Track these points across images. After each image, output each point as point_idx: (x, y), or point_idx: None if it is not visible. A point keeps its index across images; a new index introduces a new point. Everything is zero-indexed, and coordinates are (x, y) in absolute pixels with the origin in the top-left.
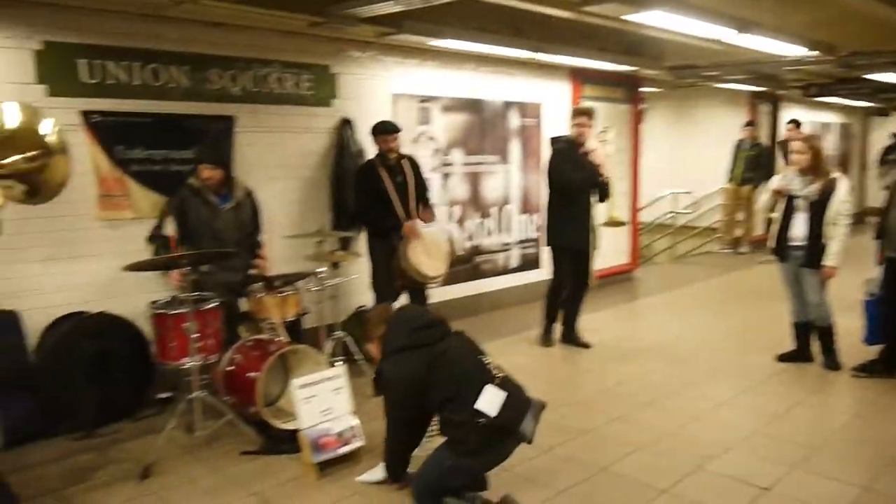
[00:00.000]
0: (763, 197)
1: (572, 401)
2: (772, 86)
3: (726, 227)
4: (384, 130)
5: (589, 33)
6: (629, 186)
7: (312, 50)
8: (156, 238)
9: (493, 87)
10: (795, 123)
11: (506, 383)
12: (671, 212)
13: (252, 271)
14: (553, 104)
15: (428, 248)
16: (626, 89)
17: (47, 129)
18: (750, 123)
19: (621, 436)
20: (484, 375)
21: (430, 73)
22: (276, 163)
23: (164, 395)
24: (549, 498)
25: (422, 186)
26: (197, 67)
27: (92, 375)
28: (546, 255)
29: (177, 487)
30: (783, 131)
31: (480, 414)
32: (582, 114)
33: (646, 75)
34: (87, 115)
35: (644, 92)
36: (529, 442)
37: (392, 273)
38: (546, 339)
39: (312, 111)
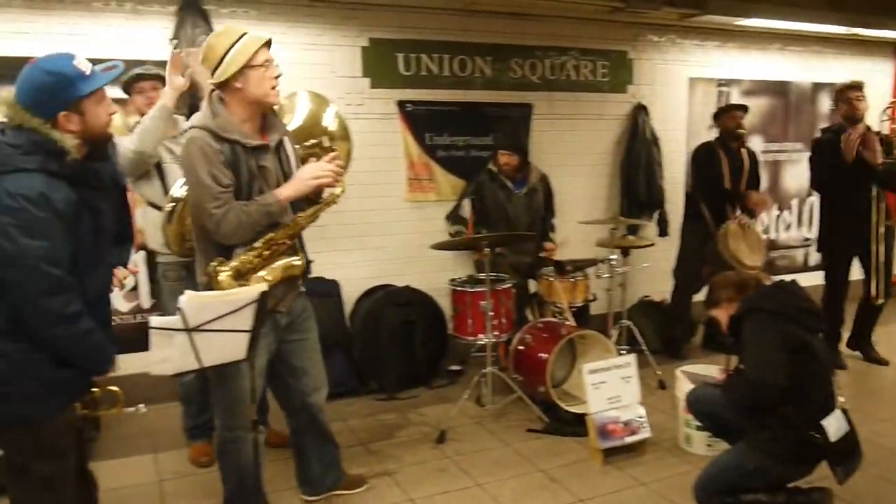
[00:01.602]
0: None
1: (884, 417)
2: None
3: None
4: (735, 107)
5: None
6: None
7: (610, 36)
8: (454, 219)
9: (801, 68)
10: None
11: (848, 416)
12: None
13: (542, 255)
14: (871, 86)
15: (748, 238)
16: None
17: (330, 117)
18: None
19: None
20: (832, 395)
21: (731, 54)
22: (569, 149)
23: (454, 368)
24: None
25: (755, 178)
26: (499, 58)
27: (396, 343)
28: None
29: (469, 454)
30: None
31: (821, 430)
32: (853, 88)
33: None
34: (401, 104)
35: None
36: (840, 483)
37: (704, 258)
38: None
39: (607, 97)
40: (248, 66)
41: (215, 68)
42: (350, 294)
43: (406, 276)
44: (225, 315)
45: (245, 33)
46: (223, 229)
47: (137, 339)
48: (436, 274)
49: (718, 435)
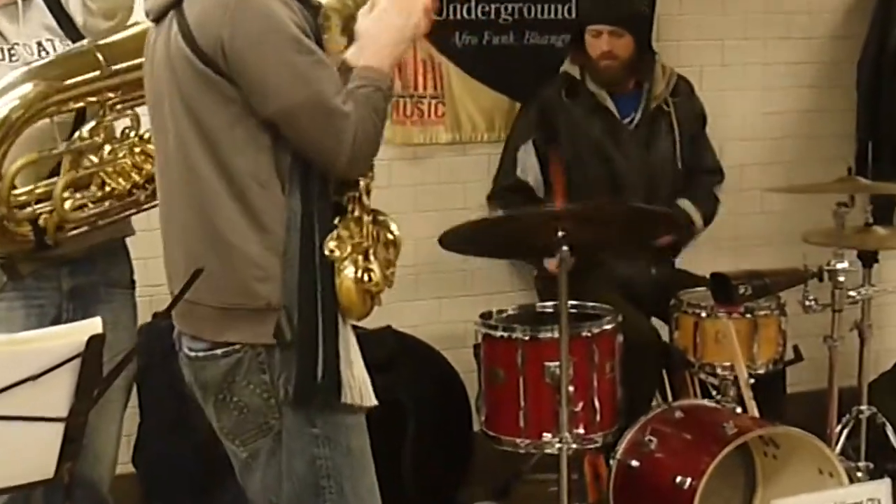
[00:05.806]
0: None
1: None
2: None
3: None
4: None
5: None
6: None
7: None
8: (505, 192)
9: None
10: None
11: None
12: None
13: (678, 259)
14: None
15: None
16: None
17: None
18: None
19: None
20: None
21: None
22: (737, 34)
23: None
24: None
25: None
26: None
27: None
28: None
29: None
30: None
31: None
32: None
33: None
34: None
35: None
36: None
37: None
38: None
39: None
40: None
41: None
42: None
43: (390, 306)
44: (17, 384)
45: None
46: (359, 141)
47: None
48: (453, 303)
49: None
